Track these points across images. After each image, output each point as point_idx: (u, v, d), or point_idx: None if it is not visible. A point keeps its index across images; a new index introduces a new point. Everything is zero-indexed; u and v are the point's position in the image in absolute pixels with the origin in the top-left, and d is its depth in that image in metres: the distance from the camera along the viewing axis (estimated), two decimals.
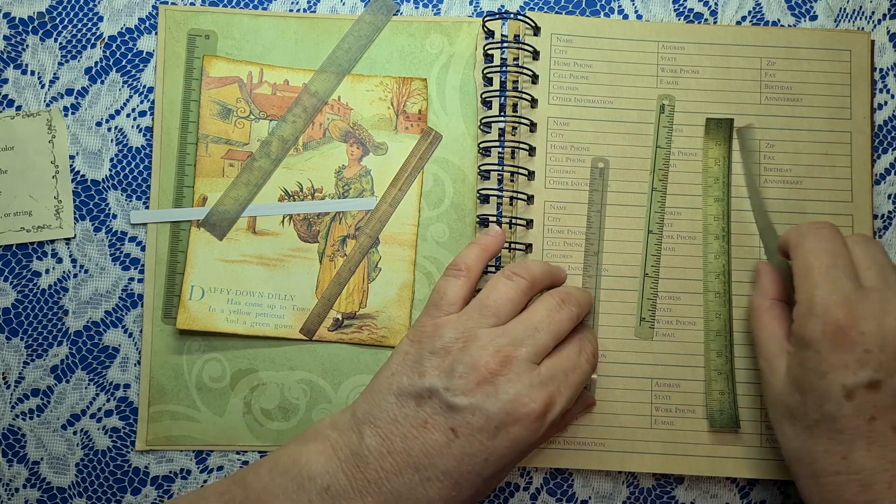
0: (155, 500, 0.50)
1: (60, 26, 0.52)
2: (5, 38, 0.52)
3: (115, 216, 0.52)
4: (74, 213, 0.52)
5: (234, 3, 0.53)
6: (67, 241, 0.51)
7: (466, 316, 0.44)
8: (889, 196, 0.52)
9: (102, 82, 0.52)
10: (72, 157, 0.52)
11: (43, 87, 0.52)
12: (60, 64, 0.52)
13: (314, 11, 0.53)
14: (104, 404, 0.50)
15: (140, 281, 0.51)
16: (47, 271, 0.51)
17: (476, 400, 0.41)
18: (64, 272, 0.51)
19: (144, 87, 0.52)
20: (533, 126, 0.51)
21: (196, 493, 0.43)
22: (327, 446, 0.42)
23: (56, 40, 0.52)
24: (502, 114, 0.52)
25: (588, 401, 0.49)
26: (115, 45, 0.53)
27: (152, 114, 0.52)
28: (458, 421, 0.41)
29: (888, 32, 0.53)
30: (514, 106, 0.52)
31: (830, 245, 0.43)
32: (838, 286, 0.42)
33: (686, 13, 0.54)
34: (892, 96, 0.53)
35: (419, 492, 0.41)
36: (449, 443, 0.41)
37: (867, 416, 0.40)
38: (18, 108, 0.52)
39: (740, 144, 0.51)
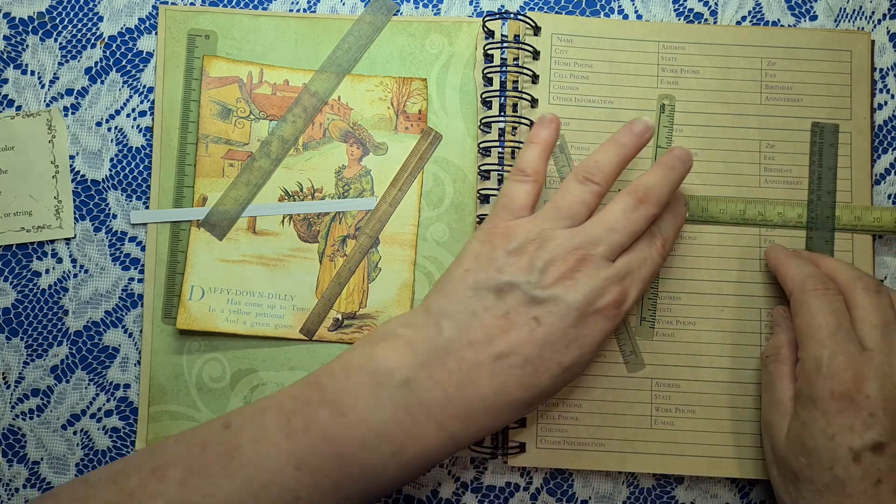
0: None
1: (60, 26, 0.52)
2: (5, 38, 0.52)
3: (115, 216, 0.52)
4: (74, 213, 0.52)
5: (234, 3, 0.53)
6: (67, 241, 0.51)
7: (541, 218, 0.44)
8: (889, 196, 0.52)
9: (102, 82, 0.52)
10: (72, 157, 0.52)
11: (43, 87, 0.52)
12: (60, 64, 0.52)
13: (314, 11, 0.53)
14: (104, 404, 0.51)
15: (140, 281, 0.51)
16: (47, 271, 0.51)
17: (558, 291, 0.42)
18: (64, 272, 0.51)
19: (144, 87, 0.52)
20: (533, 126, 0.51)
21: (268, 398, 0.43)
22: (401, 342, 0.42)
23: (56, 40, 0.52)
24: (502, 114, 0.52)
25: (684, 211, 0.49)
26: (115, 45, 0.53)
27: (152, 114, 0.52)
28: (540, 311, 0.42)
29: (888, 32, 0.53)
30: (514, 106, 0.52)
31: (835, 305, 0.44)
32: (844, 347, 0.42)
33: (686, 13, 0.54)
34: (892, 96, 0.53)
35: (499, 380, 0.41)
36: (532, 331, 0.42)
37: (873, 479, 0.41)
38: (18, 108, 0.52)
39: (820, 140, 0.51)
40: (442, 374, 0.41)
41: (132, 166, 0.52)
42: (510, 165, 0.51)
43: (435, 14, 0.53)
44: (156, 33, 0.53)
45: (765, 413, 0.47)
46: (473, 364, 0.41)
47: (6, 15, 0.52)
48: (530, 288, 0.42)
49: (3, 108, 0.52)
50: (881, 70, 0.53)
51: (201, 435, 0.42)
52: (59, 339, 0.51)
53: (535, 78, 0.52)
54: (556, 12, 0.53)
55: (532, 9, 0.54)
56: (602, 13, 0.54)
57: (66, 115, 0.52)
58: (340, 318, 0.51)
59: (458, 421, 0.41)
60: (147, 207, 0.52)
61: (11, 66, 0.52)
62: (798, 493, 0.43)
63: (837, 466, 0.41)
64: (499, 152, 0.52)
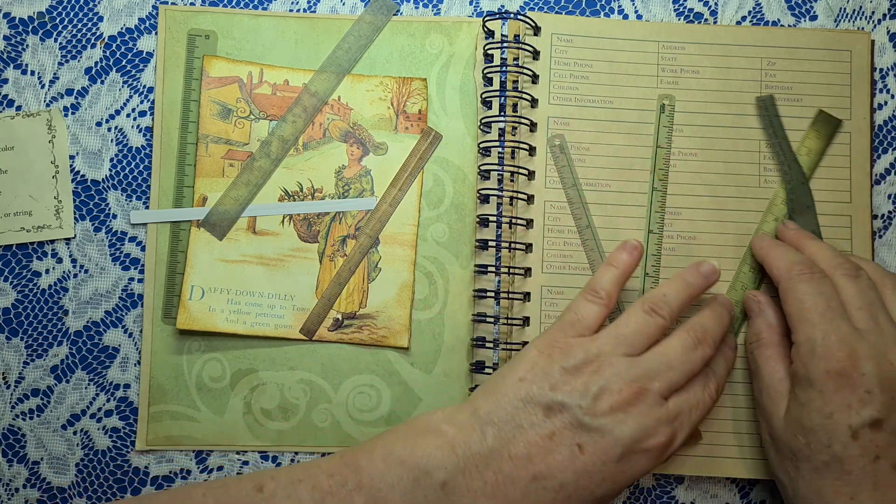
0: None
1: (60, 26, 0.52)
2: (5, 38, 0.52)
3: (115, 216, 0.52)
4: (74, 213, 0.52)
5: (234, 3, 0.53)
6: (67, 241, 0.51)
7: (602, 341, 0.44)
8: (889, 196, 0.52)
9: (102, 82, 0.52)
10: (72, 157, 0.52)
11: (43, 87, 0.52)
12: (60, 64, 0.52)
13: (314, 11, 0.53)
14: (104, 404, 0.50)
15: (140, 281, 0.51)
16: (47, 271, 0.51)
17: (608, 423, 0.42)
18: (64, 272, 0.51)
19: (144, 87, 0.52)
20: (533, 126, 0.51)
21: (302, 467, 0.43)
22: (445, 442, 0.42)
23: (56, 40, 0.52)
24: (502, 114, 0.52)
25: (697, 437, 0.49)
26: (115, 45, 0.53)
27: (152, 114, 0.52)
28: (586, 439, 0.42)
29: (888, 32, 0.53)
30: (514, 106, 0.52)
31: (823, 288, 0.44)
32: (836, 327, 0.43)
33: (686, 13, 0.54)
34: (892, 96, 0.53)
35: (531, 500, 0.41)
36: (573, 458, 0.41)
37: (872, 455, 0.41)
38: (18, 108, 0.52)
39: (766, 113, 0.51)
40: (478, 484, 0.41)
41: (132, 166, 0.52)
42: (510, 165, 0.51)
43: (435, 14, 0.53)
44: (156, 33, 0.53)
45: (758, 398, 0.47)
46: (509, 479, 0.41)
47: (6, 15, 0.52)
48: (580, 413, 0.42)
49: (3, 108, 0.52)
50: (881, 70, 0.53)
51: (232, 494, 0.42)
52: (59, 339, 0.51)
53: (535, 78, 0.52)
54: (556, 12, 0.53)
55: (532, 9, 0.54)
56: (602, 13, 0.54)
57: (66, 115, 0.52)
58: (340, 318, 0.51)
59: None
60: (147, 207, 0.52)
61: (11, 66, 0.52)
62: (797, 472, 0.43)
63: (836, 444, 0.41)
64: (499, 152, 0.52)
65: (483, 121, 0.52)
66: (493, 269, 0.50)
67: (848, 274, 0.45)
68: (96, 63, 0.52)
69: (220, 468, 0.50)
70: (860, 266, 0.46)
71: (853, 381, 0.41)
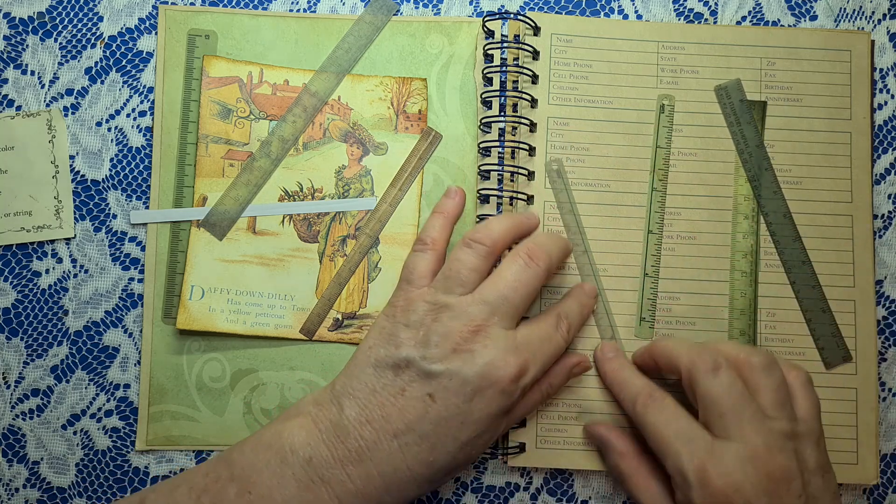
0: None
1: (60, 26, 0.52)
2: (5, 38, 0.52)
3: (115, 216, 0.52)
4: (74, 213, 0.52)
5: (234, 3, 0.53)
6: (67, 241, 0.51)
7: (434, 287, 0.45)
8: (889, 196, 0.52)
9: (102, 82, 0.52)
10: (72, 157, 0.52)
11: (43, 87, 0.52)
12: (60, 64, 0.52)
13: (314, 11, 0.53)
14: (104, 404, 0.51)
15: (140, 281, 0.51)
16: (47, 271, 0.51)
17: (452, 366, 0.42)
18: (64, 272, 0.51)
19: (144, 87, 0.52)
20: (533, 126, 0.51)
21: (182, 475, 0.44)
22: (308, 420, 0.43)
23: (56, 40, 0.52)
24: (502, 114, 0.52)
25: (582, 366, 0.49)
26: (115, 45, 0.53)
27: (152, 114, 0.52)
28: (434, 386, 0.42)
29: (888, 32, 0.53)
30: (514, 106, 0.52)
31: (675, 411, 0.44)
32: (696, 448, 0.42)
33: (686, 13, 0.54)
34: (892, 96, 0.53)
35: (398, 458, 0.42)
36: (426, 408, 0.42)
37: None
38: (18, 108, 0.52)
39: (728, 100, 0.51)
40: (342, 452, 0.42)
41: (132, 166, 0.52)
42: (510, 165, 0.51)
43: (435, 14, 0.53)
44: (156, 33, 0.53)
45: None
46: (371, 442, 0.42)
47: (6, 15, 0.52)
48: (425, 363, 0.42)
49: (3, 108, 0.52)
50: (881, 70, 0.53)
51: None
52: (59, 339, 0.51)
53: (534, 78, 0.52)
54: (556, 12, 0.53)
55: (532, 9, 0.54)
56: (602, 13, 0.54)
57: (66, 115, 0.52)
58: (340, 318, 0.51)
59: (358, 498, 0.41)
60: (147, 207, 0.52)
61: (11, 66, 0.52)
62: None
63: None
64: (499, 152, 0.52)
65: (483, 121, 0.52)
66: (492, 268, 0.50)
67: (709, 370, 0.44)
68: (96, 63, 0.52)
69: None
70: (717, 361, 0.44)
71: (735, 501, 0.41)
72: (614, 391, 0.48)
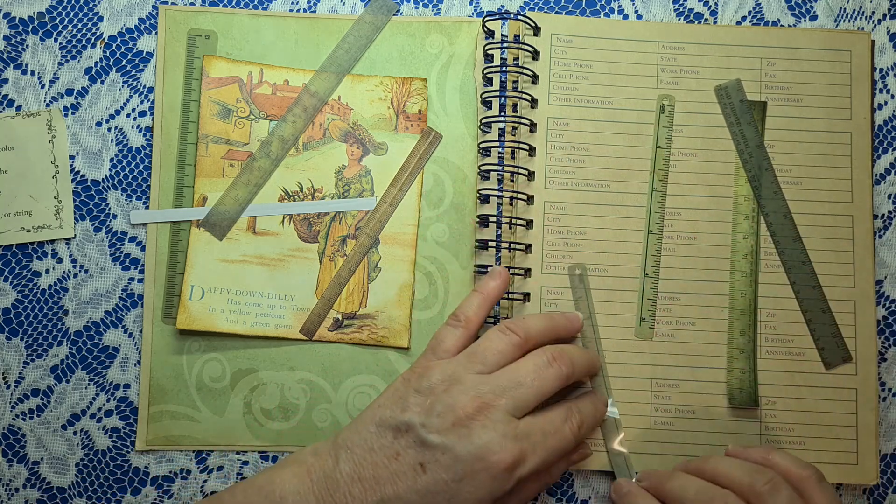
0: (155, 500, 0.50)
1: (60, 26, 0.52)
2: (5, 38, 0.52)
3: (115, 216, 0.52)
4: (74, 213, 0.52)
5: (234, 3, 0.53)
6: (67, 241, 0.51)
7: (456, 361, 0.44)
8: (889, 196, 0.52)
9: (102, 82, 0.52)
10: (72, 157, 0.52)
11: (43, 87, 0.52)
12: (60, 64, 0.52)
13: (314, 11, 0.53)
14: (104, 404, 0.51)
15: (140, 281, 0.51)
16: (47, 271, 0.51)
17: (448, 440, 0.41)
18: (64, 272, 0.51)
19: (144, 87, 0.52)
20: (533, 126, 0.51)
21: None
22: (303, 470, 0.43)
23: (56, 40, 0.52)
24: (502, 114, 0.52)
25: (581, 454, 0.48)
26: (115, 45, 0.53)
27: (152, 114, 0.52)
28: (427, 457, 0.41)
29: (888, 32, 0.53)
30: (514, 106, 0.52)
31: None
32: None
33: (686, 13, 0.54)
34: (892, 96, 0.53)
35: None
36: (416, 477, 0.41)
37: None
38: (18, 108, 0.52)
39: (728, 101, 0.51)
40: None
41: (132, 166, 0.52)
42: (510, 165, 0.51)
43: (435, 14, 0.53)
44: (156, 33, 0.53)
45: None
46: (359, 499, 0.41)
47: (6, 15, 0.52)
48: (424, 431, 0.42)
49: (3, 108, 0.52)
50: (881, 70, 0.53)
51: None
52: (59, 339, 0.51)
53: (534, 78, 0.52)
54: (556, 12, 0.53)
55: (532, 9, 0.54)
56: (602, 13, 0.54)
57: (66, 115, 0.52)
58: (340, 318, 0.51)
59: None
60: (147, 207, 0.52)
61: (11, 66, 0.52)
62: None
63: None
64: (499, 152, 0.52)
65: (483, 121, 0.52)
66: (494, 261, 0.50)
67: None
68: (96, 63, 0.52)
69: (219, 468, 0.50)
70: (776, 479, 0.43)
71: None
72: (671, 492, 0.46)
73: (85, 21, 0.53)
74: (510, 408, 0.42)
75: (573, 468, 0.49)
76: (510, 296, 0.50)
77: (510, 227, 0.51)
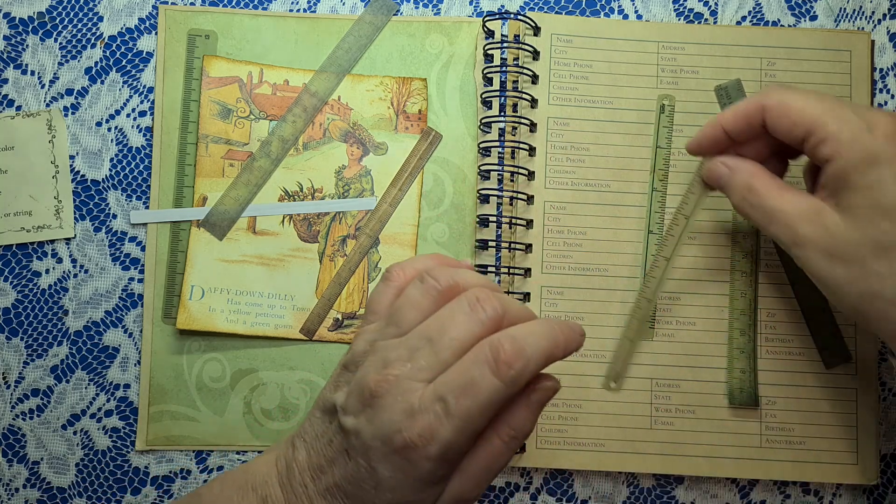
0: (155, 500, 0.50)
1: (60, 26, 0.52)
2: (5, 38, 0.52)
3: (115, 216, 0.52)
4: (74, 213, 0.52)
5: (234, 3, 0.53)
6: (67, 241, 0.51)
7: (377, 325, 0.38)
8: None
9: (102, 82, 0.52)
10: (72, 157, 0.52)
11: (43, 87, 0.52)
12: (60, 64, 0.52)
13: (314, 11, 0.53)
14: (104, 404, 0.51)
15: (140, 281, 0.51)
16: (47, 271, 0.51)
17: (358, 423, 0.35)
18: (64, 272, 0.51)
19: (144, 87, 0.52)
20: (533, 126, 0.51)
21: None
22: (272, 457, 0.40)
23: (56, 40, 0.52)
24: (502, 114, 0.52)
25: (546, 388, 0.37)
26: (115, 45, 0.53)
27: (152, 114, 0.52)
28: (348, 443, 0.36)
29: (888, 32, 0.53)
30: (514, 106, 0.52)
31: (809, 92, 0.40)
32: (843, 104, 0.39)
33: (686, 13, 0.53)
34: (893, 96, 0.53)
35: None
36: (345, 464, 0.36)
37: None
38: (18, 108, 0.52)
39: (728, 101, 0.51)
40: (289, 495, 0.38)
41: (132, 166, 0.52)
42: (510, 165, 0.51)
43: (435, 14, 0.53)
44: (156, 33, 0.53)
45: (791, 236, 0.40)
46: (311, 491, 0.37)
47: (6, 15, 0.52)
48: (342, 414, 0.36)
49: (3, 108, 0.52)
50: (881, 70, 0.53)
51: None
52: (59, 339, 0.51)
53: (534, 78, 0.52)
54: (556, 12, 0.53)
55: (532, 9, 0.54)
56: (602, 13, 0.54)
57: (66, 115, 0.52)
58: (340, 318, 0.51)
59: None
60: (147, 207, 0.52)
61: (11, 66, 0.52)
62: (890, 264, 0.37)
63: None
64: (499, 152, 0.52)
65: (483, 121, 0.52)
66: (493, 269, 0.50)
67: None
68: (96, 63, 0.52)
69: (220, 468, 0.50)
70: None
71: None
72: (741, 114, 0.42)
73: (85, 21, 0.53)
74: (416, 372, 0.34)
75: (572, 467, 0.49)
76: (510, 296, 0.50)
77: (510, 227, 0.51)
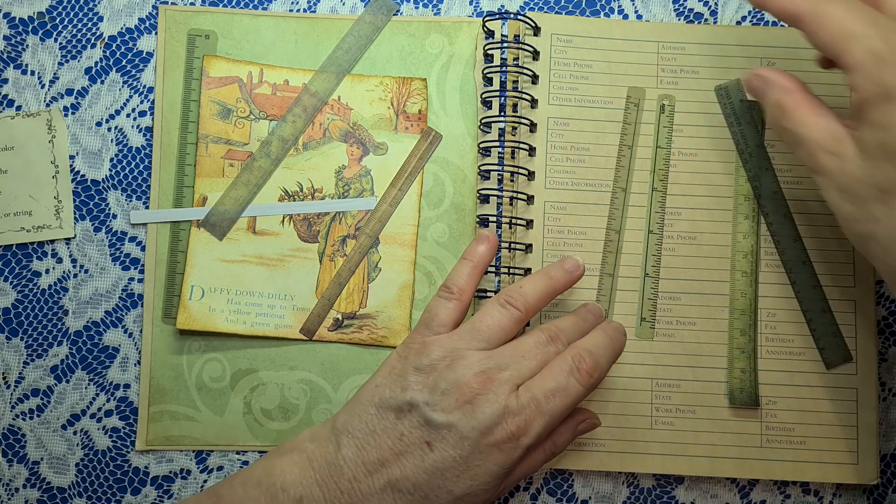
0: (155, 500, 0.50)
1: (60, 26, 0.52)
2: (5, 38, 0.52)
3: (115, 216, 0.52)
4: (74, 213, 0.52)
5: (234, 3, 0.53)
6: (67, 241, 0.51)
7: (457, 336, 0.43)
8: None
9: (102, 82, 0.52)
10: (72, 157, 0.52)
11: (43, 87, 0.52)
12: (60, 64, 0.52)
13: (314, 11, 0.53)
14: (104, 404, 0.50)
15: (140, 281, 0.51)
16: (47, 271, 0.51)
17: (454, 417, 0.41)
18: (64, 272, 0.51)
19: (144, 87, 0.52)
20: (533, 126, 0.51)
21: None
22: (303, 457, 0.42)
23: (56, 40, 0.52)
24: (502, 114, 0.52)
25: (589, 422, 0.47)
26: (115, 45, 0.53)
27: (152, 114, 0.52)
28: (433, 436, 0.41)
29: None
30: (514, 106, 0.52)
31: (853, 3, 0.39)
32: (892, 28, 0.38)
33: (686, 13, 0.53)
34: None
35: None
36: (423, 456, 0.41)
37: None
38: (18, 108, 0.52)
39: (728, 101, 0.51)
40: (335, 494, 0.41)
41: (132, 166, 0.52)
42: (510, 165, 0.51)
43: (435, 14, 0.53)
44: (156, 33, 0.53)
45: (813, 164, 0.40)
46: (365, 486, 0.41)
47: (6, 15, 0.52)
48: (428, 410, 0.41)
49: (3, 108, 0.52)
50: None
51: None
52: (59, 339, 0.51)
53: (534, 78, 0.52)
54: (556, 12, 0.53)
55: (532, 9, 0.54)
56: (602, 13, 0.54)
57: (66, 115, 0.52)
58: (340, 318, 0.51)
59: None
60: (147, 207, 0.52)
61: (11, 66, 0.52)
62: (890, 210, 0.38)
63: None
64: (499, 152, 0.52)
65: (483, 121, 0.52)
66: (493, 268, 0.50)
67: None
68: (96, 63, 0.52)
69: (220, 468, 0.50)
70: None
71: None
72: (775, 9, 0.41)
73: (85, 21, 0.53)
74: (514, 378, 0.42)
75: (572, 467, 0.49)
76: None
77: (510, 227, 0.51)
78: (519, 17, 0.52)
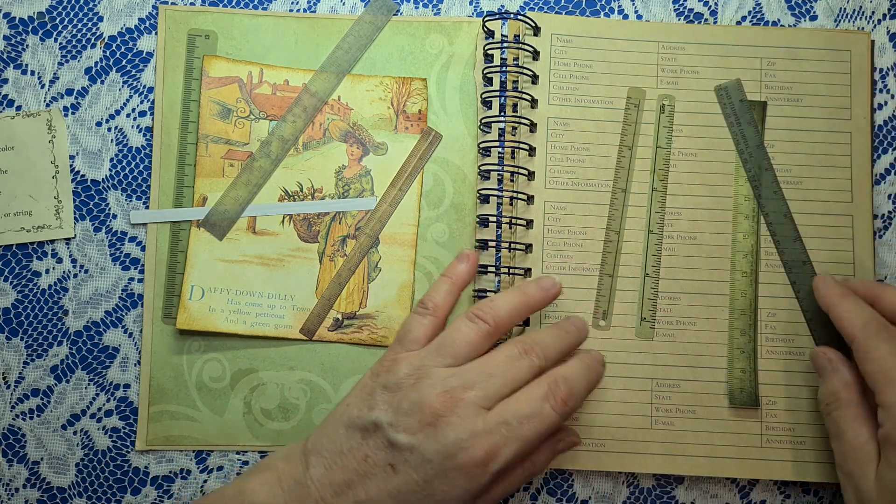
0: (155, 500, 0.50)
1: (60, 26, 0.52)
2: (5, 38, 0.52)
3: (115, 216, 0.52)
4: (74, 213, 0.52)
5: (234, 3, 0.53)
6: (67, 241, 0.51)
7: (424, 353, 0.43)
8: (889, 196, 0.52)
9: (102, 82, 0.52)
10: (72, 157, 0.52)
11: (43, 87, 0.52)
12: (60, 64, 0.52)
13: (314, 11, 0.53)
14: (104, 404, 0.51)
15: (140, 281, 0.51)
16: (47, 271, 0.51)
17: (416, 439, 0.40)
18: (64, 272, 0.51)
19: (144, 87, 0.52)
20: (533, 126, 0.51)
21: None
22: (273, 477, 0.41)
23: (56, 40, 0.52)
24: (502, 114, 0.52)
25: (568, 442, 0.46)
26: (115, 45, 0.53)
27: (152, 114, 0.52)
28: (397, 458, 0.40)
29: (888, 32, 0.53)
30: (514, 106, 0.52)
31: None
32: None
33: (686, 13, 0.54)
34: (892, 96, 0.53)
35: None
36: (387, 479, 0.40)
37: None
38: (18, 108, 0.52)
39: (728, 101, 0.51)
40: None
41: (132, 166, 0.52)
42: (510, 165, 0.51)
43: (435, 14, 0.53)
44: (156, 33, 0.53)
45: (841, 461, 0.44)
46: None
47: (6, 15, 0.53)
48: (392, 431, 0.40)
49: (3, 108, 0.52)
50: (881, 70, 0.53)
51: None
52: (59, 339, 0.51)
53: (534, 78, 0.52)
54: (556, 12, 0.53)
55: (532, 9, 0.54)
56: (602, 13, 0.54)
57: (66, 115, 0.52)
58: (340, 318, 0.51)
59: None
60: (147, 207, 0.52)
61: (11, 66, 0.52)
62: None
63: None
64: (499, 152, 0.52)
65: (483, 121, 0.52)
66: (493, 269, 0.50)
67: None
68: (96, 63, 0.52)
69: (219, 468, 0.50)
70: None
71: None
72: (836, 312, 0.45)
73: (85, 21, 0.53)
74: (479, 399, 0.40)
75: (572, 467, 0.49)
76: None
77: (510, 227, 0.51)
78: (519, 17, 0.52)
